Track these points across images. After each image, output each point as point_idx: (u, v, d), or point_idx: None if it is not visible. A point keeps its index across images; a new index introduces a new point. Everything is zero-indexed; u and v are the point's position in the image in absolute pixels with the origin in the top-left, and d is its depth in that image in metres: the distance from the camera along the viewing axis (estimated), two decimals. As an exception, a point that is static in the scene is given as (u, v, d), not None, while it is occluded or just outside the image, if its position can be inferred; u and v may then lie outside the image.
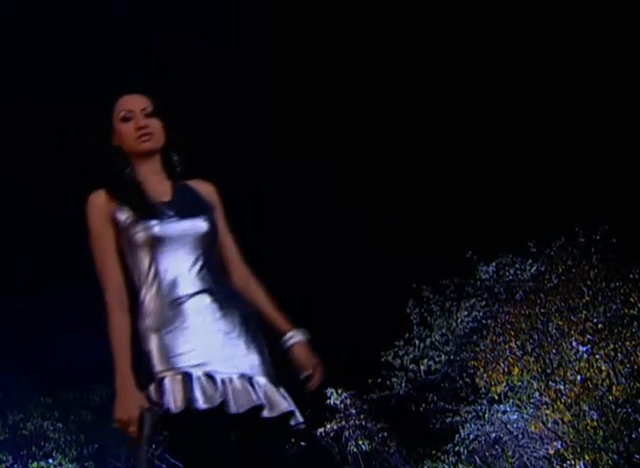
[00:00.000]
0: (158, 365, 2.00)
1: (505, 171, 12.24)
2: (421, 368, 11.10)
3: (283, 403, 2.04)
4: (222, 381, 1.98)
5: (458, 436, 10.49)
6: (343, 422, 11.49)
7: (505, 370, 9.27)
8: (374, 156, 12.35)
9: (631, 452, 8.35)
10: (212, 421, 1.93)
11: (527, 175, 12.46)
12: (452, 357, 11.00)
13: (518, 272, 10.88)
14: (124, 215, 2.10)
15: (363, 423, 11.45)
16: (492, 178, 12.29)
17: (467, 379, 10.61)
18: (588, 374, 8.68)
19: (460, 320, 10.97)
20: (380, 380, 11.18)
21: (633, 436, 8.40)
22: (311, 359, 2.18)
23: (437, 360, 11.11)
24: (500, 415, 10.01)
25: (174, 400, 1.93)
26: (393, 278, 11.56)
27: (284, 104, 12.14)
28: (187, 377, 1.95)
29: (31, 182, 12.22)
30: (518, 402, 9.55)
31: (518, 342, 9.29)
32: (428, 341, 11.13)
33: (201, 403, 1.92)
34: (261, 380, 2.05)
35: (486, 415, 10.21)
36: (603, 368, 8.67)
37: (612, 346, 8.65)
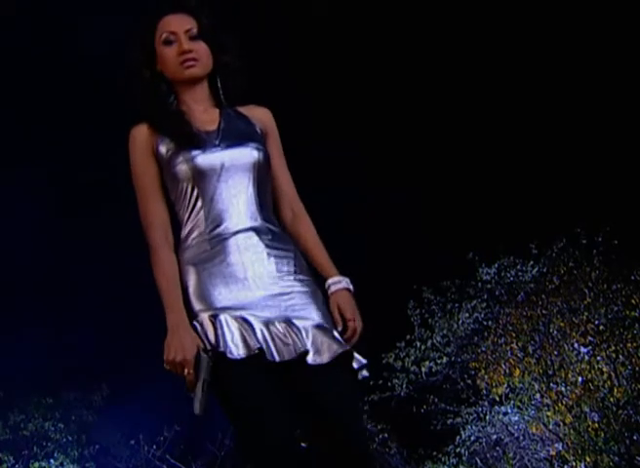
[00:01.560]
0: (195, 303, 1.86)
1: (507, 172, 12.23)
2: (423, 369, 11.08)
3: (333, 346, 1.83)
4: (262, 326, 1.82)
5: (459, 437, 10.48)
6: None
7: (507, 371, 9.27)
8: (375, 154, 12.33)
9: (633, 454, 8.33)
10: (247, 370, 1.78)
11: (528, 176, 12.45)
12: (453, 358, 10.99)
13: (519, 273, 10.87)
14: (165, 148, 1.95)
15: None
16: (493, 179, 12.28)
17: (468, 381, 10.60)
18: (590, 376, 8.67)
19: (461, 321, 10.96)
20: (381, 382, 11.17)
21: (635, 438, 8.38)
22: (350, 309, 1.95)
23: (438, 361, 11.10)
24: (501, 417, 10.00)
25: (203, 342, 1.80)
26: (394, 279, 11.55)
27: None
28: (221, 321, 1.81)
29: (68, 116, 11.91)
30: (519, 403, 9.54)
31: (519, 344, 9.29)
32: (429, 343, 11.12)
33: (234, 350, 1.77)
34: (308, 324, 1.85)
35: (487, 417, 10.20)
36: (604, 369, 8.66)
37: (613, 348, 8.64)
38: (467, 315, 10.98)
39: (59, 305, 11.72)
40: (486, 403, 10.34)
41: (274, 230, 1.96)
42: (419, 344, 11.14)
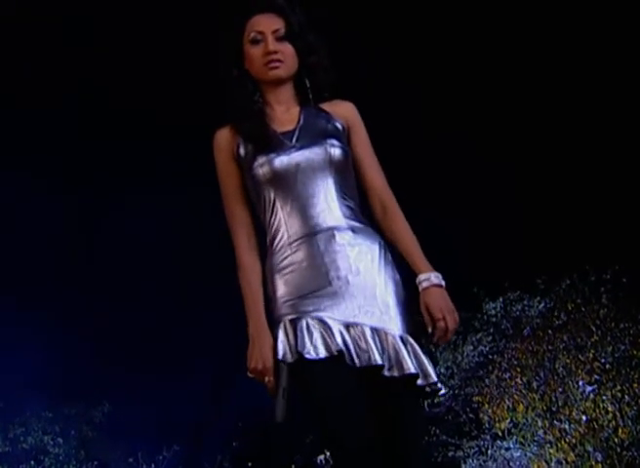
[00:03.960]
0: (278, 309, 1.84)
1: (516, 207, 12.25)
2: (425, 401, 11.02)
3: (407, 363, 1.76)
4: (342, 329, 1.78)
5: (459, 471, 10.39)
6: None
7: (510, 406, 9.20)
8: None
9: (635, 497, 8.23)
10: (327, 371, 1.74)
11: (538, 212, 12.46)
12: (456, 391, 10.92)
13: (526, 308, 10.83)
14: (244, 151, 1.92)
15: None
16: (502, 214, 12.29)
17: (471, 414, 10.51)
18: (594, 415, 8.60)
19: (465, 354, 10.91)
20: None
21: (638, 480, 8.29)
22: (438, 308, 1.82)
23: (441, 395, 11.02)
24: (502, 452, 9.91)
25: (282, 348, 1.78)
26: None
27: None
28: (302, 324, 1.78)
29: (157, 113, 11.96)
30: (522, 439, 9.46)
31: (524, 379, 9.23)
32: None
33: (313, 351, 1.73)
34: (389, 333, 1.80)
35: (489, 451, 10.11)
36: (609, 409, 8.59)
37: (619, 387, 8.57)
38: (472, 348, 10.93)
39: (61, 320, 11.75)
40: (488, 437, 10.25)
41: (357, 226, 1.90)
42: (422, 375, 11.06)
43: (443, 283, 1.89)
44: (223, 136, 1.97)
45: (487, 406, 9.35)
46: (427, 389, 1.83)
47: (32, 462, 11.06)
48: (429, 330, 1.83)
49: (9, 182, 10.84)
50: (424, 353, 1.84)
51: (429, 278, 1.87)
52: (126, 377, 11.74)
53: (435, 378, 1.82)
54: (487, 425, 9.88)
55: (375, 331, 1.80)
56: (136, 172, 12.19)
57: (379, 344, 1.78)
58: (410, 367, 1.77)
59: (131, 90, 12.01)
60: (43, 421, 11.43)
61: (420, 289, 1.87)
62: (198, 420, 12.14)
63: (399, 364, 1.77)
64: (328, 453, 11.40)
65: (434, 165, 12.54)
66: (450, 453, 10.74)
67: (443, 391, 1.88)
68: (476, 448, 10.40)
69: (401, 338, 1.81)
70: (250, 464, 11.76)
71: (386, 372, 1.76)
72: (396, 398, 1.79)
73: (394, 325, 1.82)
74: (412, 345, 1.82)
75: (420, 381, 1.79)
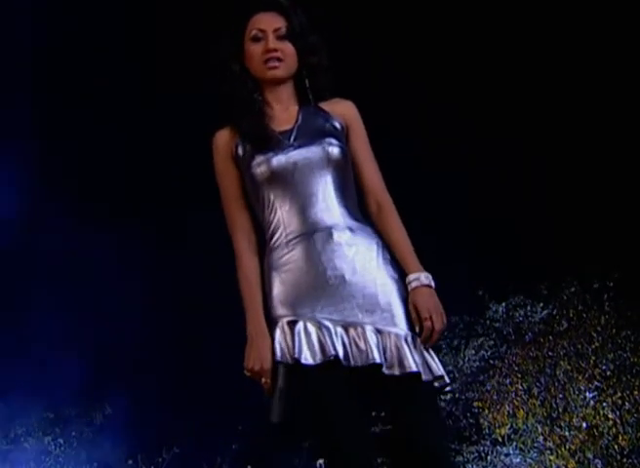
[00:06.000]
0: (275, 309, 1.83)
1: (521, 213, 12.25)
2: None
3: (409, 360, 1.74)
4: (341, 330, 1.77)
5: (459, 476, 10.36)
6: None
7: (510, 412, 9.20)
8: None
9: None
10: (322, 376, 1.73)
11: (543, 219, 12.46)
12: (457, 395, 10.90)
13: (529, 314, 10.82)
14: (242, 151, 1.92)
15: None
16: (506, 219, 12.29)
17: (471, 419, 10.50)
18: (594, 422, 8.59)
19: (467, 358, 10.90)
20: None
21: (638, 487, 8.28)
22: (425, 308, 1.81)
23: (442, 397, 11.02)
24: (502, 458, 9.89)
25: (280, 350, 1.77)
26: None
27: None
28: (299, 327, 1.77)
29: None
30: (522, 445, 9.44)
31: (525, 385, 9.23)
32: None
33: (309, 357, 1.73)
34: (390, 332, 1.78)
35: (488, 457, 10.09)
36: (610, 416, 8.58)
37: (619, 394, 8.57)
38: (474, 352, 10.92)
39: (62, 322, 11.75)
40: (488, 442, 10.23)
41: (355, 225, 1.89)
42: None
43: (433, 283, 1.88)
44: (222, 138, 1.97)
45: (487, 411, 9.34)
46: (436, 384, 1.81)
47: (32, 463, 11.07)
48: (417, 329, 1.81)
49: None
50: (428, 349, 1.81)
51: (419, 278, 1.85)
52: (127, 380, 11.75)
53: (440, 372, 1.79)
54: (487, 431, 9.87)
55: (375, 330, 1.79)
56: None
57: (380, 343, 1.77)
58: (411, 365, 1.75)
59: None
60: (44, 422, 11.44)
61: (410, 288, 1.85)
62: (198, 423, 12.14)
63: (400, 362, 1.75)
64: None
65: (436, 167, 12.55)
66: (449, 459, 10.72)
67: (448, 384, 1.84)
68: (476, 454, 10.38)
69: (403, 336, 1.79)
70: (249, 467, 11.76)
71: (387, 371, 1.75)
72: (401, 396, 1.78)
73: (396, 323, 1.81)
74: (414, 342, 1.80)
75: (425, 377, 1.77)
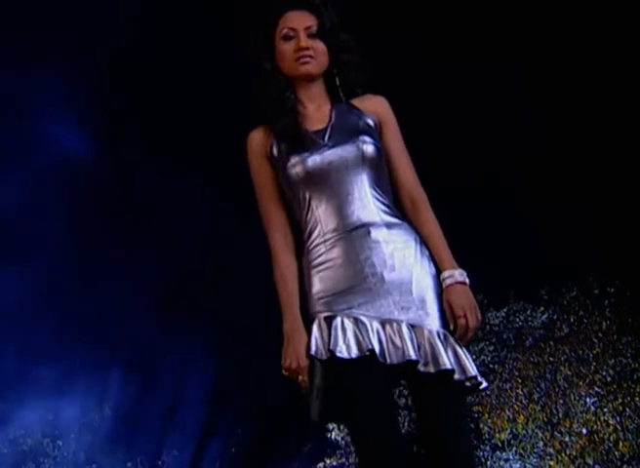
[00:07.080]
0: (313, 306, 1.84)
1: (522, 218, 12.24)
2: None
3: (443, 358, 1.75)
4: (378, 326, 1.78)
5: (458, 481, 10.35)
6: (344, 459, 11.36)
7: (510, 417, 9.18)
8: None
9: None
10: (358, 371, 1.74)
11: (544, 224, 12.45)
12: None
13: (529, 319, 10.82)
14: (277, 151, 1.93)
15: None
16: (508, 224, 12.29)
17: (471, 424, 10.50)
18: (595, 428, 8.57)
19: (467, 363, 10.90)
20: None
21: (638, 494, 8.26)
22: (459, 305, 1.81)
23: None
24: (502, 463, 9.88)
25: (315, 345, 1.77)
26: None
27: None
28: (336, 322, 1.78)
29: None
30: (522, 451, 9.43)
31: (525, 390, 9.22)
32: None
33: (345, 351, 1.74)
34: (425, 329, 1.79)
35: (488, 462, 10.08)
36: (610, 422, 8.57)
37: (620, 400, 8.56)
38: (474, 357, 10.89)
39: (63, 321, 11.75)
40: (488, 447, 10.22)
41: (393, 222, 1.90)
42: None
43: (467, 280, 1.88)
44: (257, 137, 1.97)
45: (487, 416, 9.33)
46: (467, 384, 1.82)
47: (32, 464, 11.07)
48: (451, 327, 1.82)
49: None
50: (462, 347, 1.82)
51: (453, 275, 1.87)
52: (127, 382, 11.74)
53: (474, 372, 1.80)
54: (487, 436, 9.85)
55: (411, 326, 1.79)
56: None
57: (415, 340, 1.77)
58: (446, 362, 1.76)
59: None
60: (43, 423, 11.43)
61: (444, 285, 1.86)
62: (198, 425, 12.14)
63: (435, 359, 1.76)
64: (327, 461, 11.39)
65: (438, 168, 12.54)
66: (449, 463, 10.71)
67: (485, 384, 1.84)
68: (475, 459, 10.38)
69: (438, 334, 1.80)
70: (249, 470, 11.75)
71: (422, 368, 1.76)
72: (435, 394, 1.78)
73: (431, 320, 1.82)
74: (449, 340, 1.81)
75: (457, 376, 1.78)
